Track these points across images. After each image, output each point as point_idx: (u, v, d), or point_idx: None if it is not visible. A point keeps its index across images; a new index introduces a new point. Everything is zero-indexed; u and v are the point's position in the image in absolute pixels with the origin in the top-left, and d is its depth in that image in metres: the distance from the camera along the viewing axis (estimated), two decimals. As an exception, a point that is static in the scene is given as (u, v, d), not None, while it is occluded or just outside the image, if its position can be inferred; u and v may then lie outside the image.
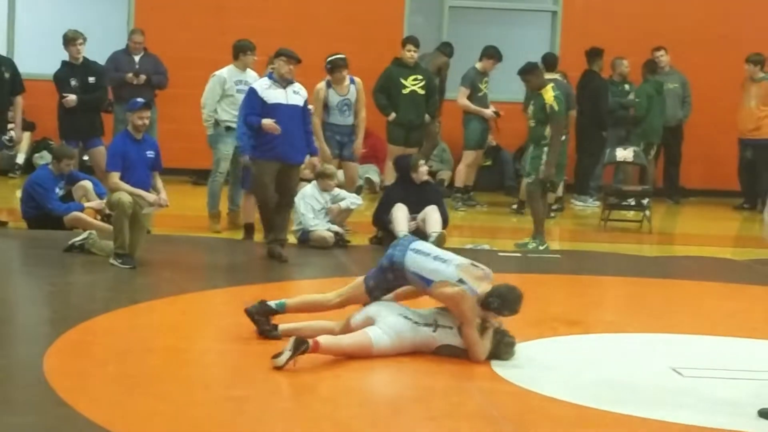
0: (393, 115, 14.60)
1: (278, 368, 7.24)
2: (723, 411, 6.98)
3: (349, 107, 13.20)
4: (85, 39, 13.35)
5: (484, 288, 7.70)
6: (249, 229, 12.34)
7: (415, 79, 14.70)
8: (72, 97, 13.14)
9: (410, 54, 14.74)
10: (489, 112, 15.16)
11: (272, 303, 8.03)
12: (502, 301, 7.71)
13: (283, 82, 11.21)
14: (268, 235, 11.33)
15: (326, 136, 13.35)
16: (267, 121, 11.06)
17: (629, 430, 6.63)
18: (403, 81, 14.64)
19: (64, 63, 13.41)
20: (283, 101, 11.18)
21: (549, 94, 12.31)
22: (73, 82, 13.27)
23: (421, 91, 14.69)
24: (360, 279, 8.01)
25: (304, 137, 11.37)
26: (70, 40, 13.27)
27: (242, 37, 13.08)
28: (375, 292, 7.91)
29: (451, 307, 7.76)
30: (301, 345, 7.28)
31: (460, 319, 7.72)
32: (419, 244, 7.96)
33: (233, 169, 12.74)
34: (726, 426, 6.71)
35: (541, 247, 12.40)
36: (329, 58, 13.11)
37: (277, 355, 7.29)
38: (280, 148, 11.11)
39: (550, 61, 15.28)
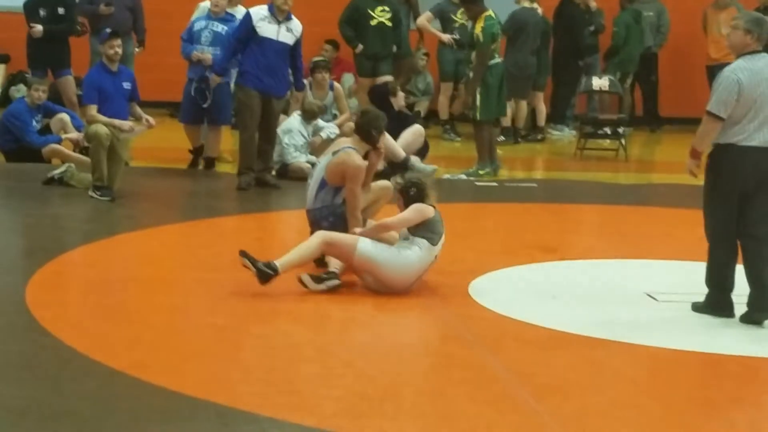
0: (360, 46, 14.60)
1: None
2: (696, 333, 7.12)
3: (325, 114, 13.14)
4: None
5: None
6: (210, 162, 12.35)
7: (382, 11, 14.67)
8: (38, 28, 13.09)
9: None
10: (446, 36, 15.05)
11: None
12: (369, 121, 8.36)
13: (280, 16, 11.25)
14: (243, 163, 11.41)
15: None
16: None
17: (603, 352, 6.74)
18: (370, 12, 14.61)
19: (33, -8, 13.37)
20: (273, 37, 11.24)
21: (480, 24, 12.37)
22: (41, 12, 13.22)
23: (389, 23, 14.67)
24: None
25: (289, 73, 11.52)
26: (40, -31, 13.22)
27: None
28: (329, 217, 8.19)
29: (344, 171, 8.10)
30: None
31: (349, 179, 8.08)
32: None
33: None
34: (698, 348, 6.84)
35: (481, 171, 12.44)
36: (313, 59, 13.12)
37: (319, 281, 7.56)
38: (264, 80, 11.24)
39: (529, -10, 15.27)
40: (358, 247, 7.61)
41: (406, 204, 7.81)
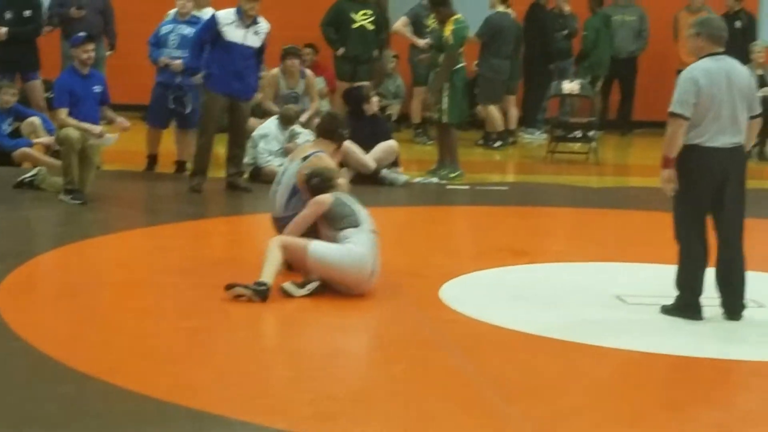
0: (342, 49, 14.62)
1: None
2: (665, 336, 7.17)
3: (296, 101, 13.20)
4: None
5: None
6: (181, 166, 12.35)
7: (364, 14, 14.71)
8: (2, 30, 13.06)
9: None
10: (422, 41, 15.09)
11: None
12: (333, 122, 8.55)
13: (247, 20, 11.26)
14: (196, 165, 11.45)
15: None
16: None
17: (574, 355, 6.78)
18: (353, 15, 14.64)
19: (0, -6, 13.33)
20: (240, 41, 11.25)
21: (449, 27, 12.43)
22: (7, 15, 13.17)
23: (371, 26, 14.72)
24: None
25: (255, 75, 11.57)
26: (6, -28, 13.19)
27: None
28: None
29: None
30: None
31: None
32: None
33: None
34: (668, 350, 6.89)
35: (452, 174, 12.53)
36: (284, 47, 13.16)
37: (301, 286, 7.56)
38: (232, 84, 11.26)
39: (504, -6, 15.33)
40: (309, 249, 7.63)
41: (311, 194, 7.89)
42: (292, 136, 12.24)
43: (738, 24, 15.97)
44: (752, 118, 7.40)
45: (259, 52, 11.47)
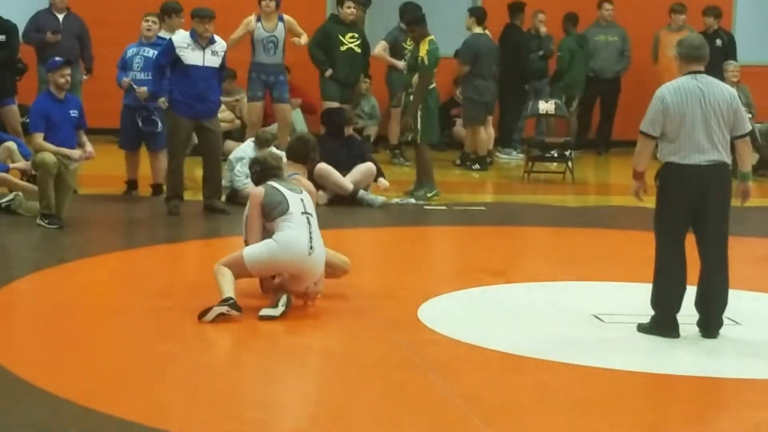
0: (330, 71, 14.68)
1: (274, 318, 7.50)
2: (642, 354, 7.19)
3: (275, 45, 13.31)
4: None
5: None
6: (157, 189, 12.31)
7: (352, 37, 14.80)
8: None
9: (349, 11, 14.82)
10: (401, 64, 15.13)
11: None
12: (307, 146, 8.53)
13: (203, 41, 11.29)
14: (170, 189, 11.44)
15: (251, 77, 13.55)
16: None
17: (551, 374, 6.79)
18: (340, 38, 14.73)
19: (-27, 20, 13.29)
20: (199, 63, 11.30)
21: (424, 47, 12.49)
22: None
23: (358, 50, 14.82)
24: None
25: (218, 91, 11.68)
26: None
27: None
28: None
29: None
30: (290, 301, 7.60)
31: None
32: None
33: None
34: (645, 369, 6.91)
35: (429, 194, 12.57)
36: None
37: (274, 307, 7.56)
38: (196, 106, 11.30)
39: (480, 15, 15.37)
40: (244, 258, 7.68)
41: (255, 183, 7.98)
42: None
43: (718, 42, 16.05)
44: (738, 137, 7.37)
45: (220, 69, 11.54)
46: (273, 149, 12.35)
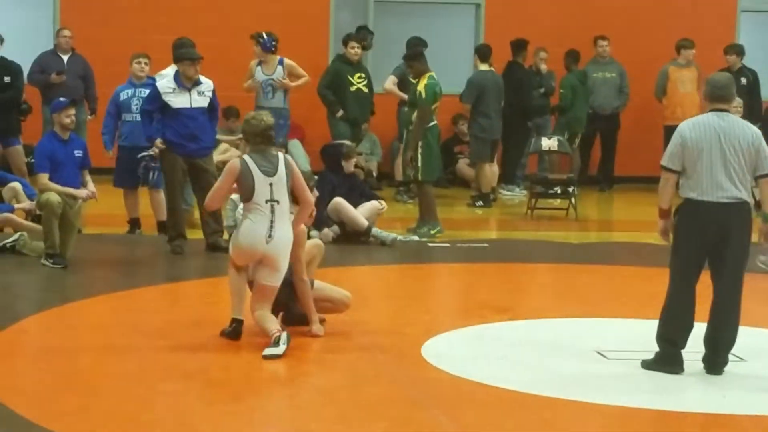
0: (341, 111, 14.76)
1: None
2: (646, 390, 7.19)
3: (273, 89, 13.33)
4: (2, 40, 13.35)
5: None
6: (162, 227, 12.28)
7: (360, 77, 14.91)
8: None
9: (354, 51, 14.91)
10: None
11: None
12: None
13: (189, 83, 11.30)
14: (171, 229, 11.45)
15: None
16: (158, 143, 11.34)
17: (555, 411, 6.79)
18: (349, 78, 14.83)
19: (-22, 62, 13.38)
20: (187, 105, 11.27)
21: (423, 82, 12.56)
22: None
23: (366, 89, 14.92)
24: None
25: (210, 131, 11.59)
26: (-16, 40, 13.26)
27: (167, 35, 12.98)
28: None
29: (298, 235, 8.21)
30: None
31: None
32: None
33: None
34: (649, 405, 6.91)
35: (433, 231, 12.59)
36: (252, 33, 13.39)
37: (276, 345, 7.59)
38: (189, 146, 11.26)
39: (484, 53, 15.43)
40: (231, 254, 7.99)
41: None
42: None
43: (743, 81, 16.03)
44: (761, 177, 7.31)
45: (211, 108, 11.46)
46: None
